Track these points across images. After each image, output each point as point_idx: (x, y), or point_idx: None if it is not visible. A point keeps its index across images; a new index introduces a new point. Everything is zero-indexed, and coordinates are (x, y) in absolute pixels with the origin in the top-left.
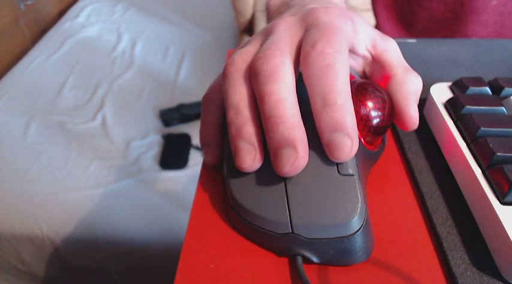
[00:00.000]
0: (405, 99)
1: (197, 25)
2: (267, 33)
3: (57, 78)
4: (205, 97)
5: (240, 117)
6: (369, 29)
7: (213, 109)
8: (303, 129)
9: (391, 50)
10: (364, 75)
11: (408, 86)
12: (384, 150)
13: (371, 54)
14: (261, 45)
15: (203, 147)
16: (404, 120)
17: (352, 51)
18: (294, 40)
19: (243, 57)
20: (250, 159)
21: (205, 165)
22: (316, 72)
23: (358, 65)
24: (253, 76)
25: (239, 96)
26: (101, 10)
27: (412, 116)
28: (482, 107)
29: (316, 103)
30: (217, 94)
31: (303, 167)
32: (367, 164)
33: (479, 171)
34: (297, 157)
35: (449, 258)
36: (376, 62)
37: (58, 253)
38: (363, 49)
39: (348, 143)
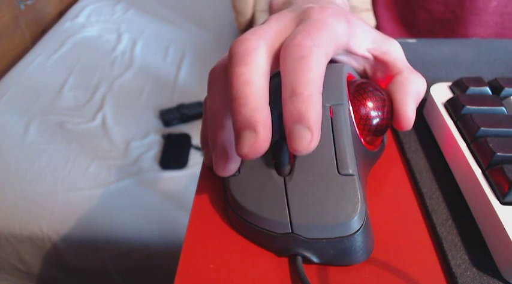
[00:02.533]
0: (403, 98)
1: (197, 25)
2: None
3: (57, 78)
4: (206, 99)
5: (215, 122)
6: (370, 30)
7: None
8: (268, 112)
9: (394, 50)
10: (365, 75)
11: (409, 86)
12: (384, 150)
13: (373, 55)
14: None
15: (203, 148)
16: (399, 119)
17: (350, 52)
18: (281, 32)
19: (223, 62)
20: (222, 164)
21: (205, 165)
22: (290, 63)
23: (359, 65)
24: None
25: (216, 101)
26: (101, 10)
27: (408, 116)
28: (482, 107)
29: (284, 93)
30: None
31: (263, 151)
32: (367, 164)
33: (479, 171)
34: (256, 140)
35: (449, 258)
36: (379, 63)
37: (58, 253)
38: (363, 49)
39: (307, 136)
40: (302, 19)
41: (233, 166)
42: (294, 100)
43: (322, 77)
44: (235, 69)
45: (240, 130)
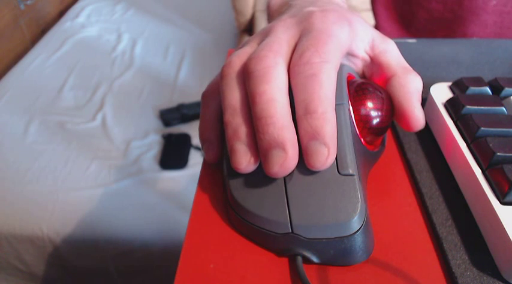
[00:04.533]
0: (408, 100)
1: (197, 25)
2: (265, 34)
3: (57, 78)
4: (205, 94)
5: (237, 118)
6: (369, 30)
7: (212, 106)
8: (294, 130)
9: (389, 50)
10: (363, 77)
11: (409, 86)
12: (384, 150)
13: (369, 56)
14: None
15: (203, 144)
16: (409, 120)
17: (350, 54)
18: (290, 43)
19: (240, 58)
20: (245, 160)
21: (205, 165)
22: (301, 81)
23: (357, 67)
24: (246, 76)
25: (236, 97)
26: (101, 10)
27: (418, 116)
28: (482, 107)
29: (298, 111)
30: (217, 91)
31: (292, 168)
32: (367, 164)
33: (479, 171)
34: (286, 158)
35: (449, 258)
36: (375, 64)
37: (58, 253)
38: (362, 51)
39: (323, 152)
40: (305, 28)
41: (254, 164)
42: (308, 118)
43: (334, 92)
44: (257, 88)
45: (268, 149)
